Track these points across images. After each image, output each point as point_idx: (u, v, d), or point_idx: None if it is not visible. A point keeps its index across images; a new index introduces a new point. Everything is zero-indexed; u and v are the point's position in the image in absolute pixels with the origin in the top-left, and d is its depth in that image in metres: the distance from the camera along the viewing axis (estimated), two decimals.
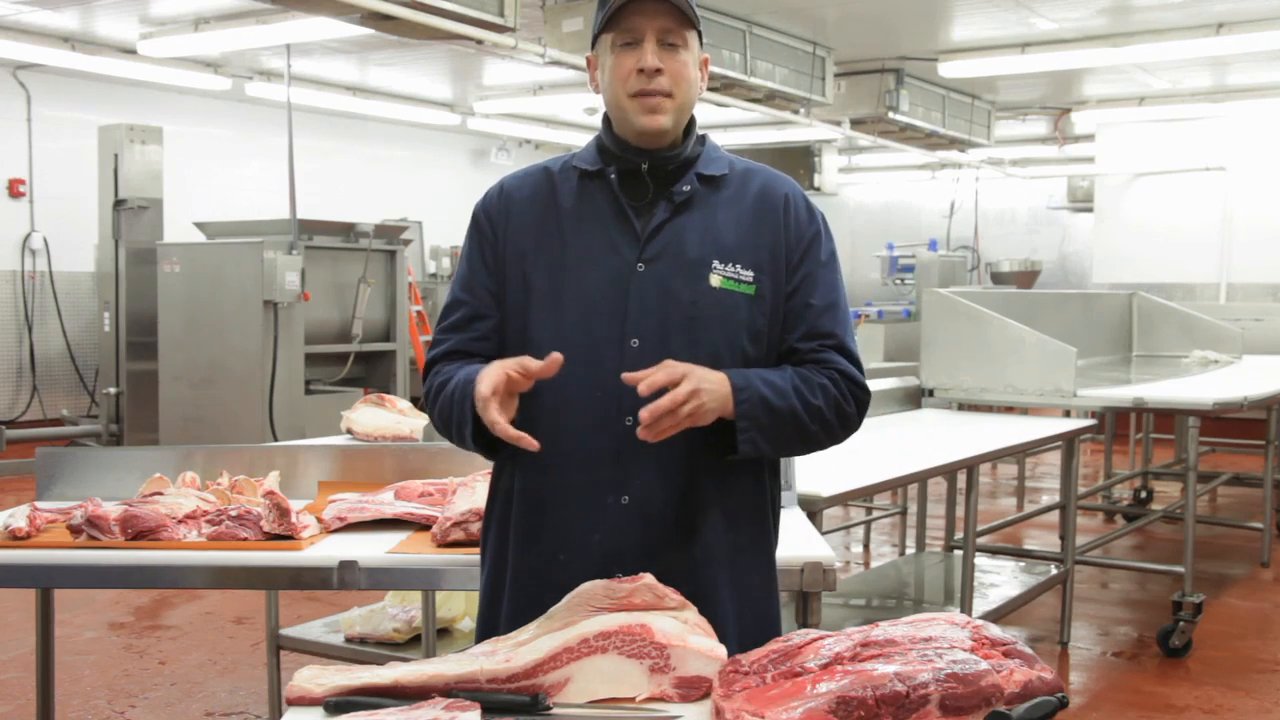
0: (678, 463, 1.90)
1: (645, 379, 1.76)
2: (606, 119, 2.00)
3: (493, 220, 2.00)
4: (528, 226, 1.97)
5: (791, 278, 1.97)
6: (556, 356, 1.77)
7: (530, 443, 1.76)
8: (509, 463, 1.99)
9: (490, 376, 1.77)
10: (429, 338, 10.33)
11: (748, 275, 1.93)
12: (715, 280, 1.92)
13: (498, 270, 1.97)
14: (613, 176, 1.95)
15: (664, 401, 1.74)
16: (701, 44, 1.97)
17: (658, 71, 1.88)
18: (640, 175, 1.95)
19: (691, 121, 1.99)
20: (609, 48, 1.92)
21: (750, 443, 1.85)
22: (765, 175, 2.03)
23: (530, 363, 1.79)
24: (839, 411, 1.92)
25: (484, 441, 1.89)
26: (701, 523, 1.93)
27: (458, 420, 1.89)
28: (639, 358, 1.87)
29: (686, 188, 1.95)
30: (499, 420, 1.75)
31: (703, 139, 2.01)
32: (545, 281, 1.94)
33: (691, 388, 1.76)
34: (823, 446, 1.97)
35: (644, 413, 1.75)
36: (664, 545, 1.90)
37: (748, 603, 1.98)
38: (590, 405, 1.89)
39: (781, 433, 1.87)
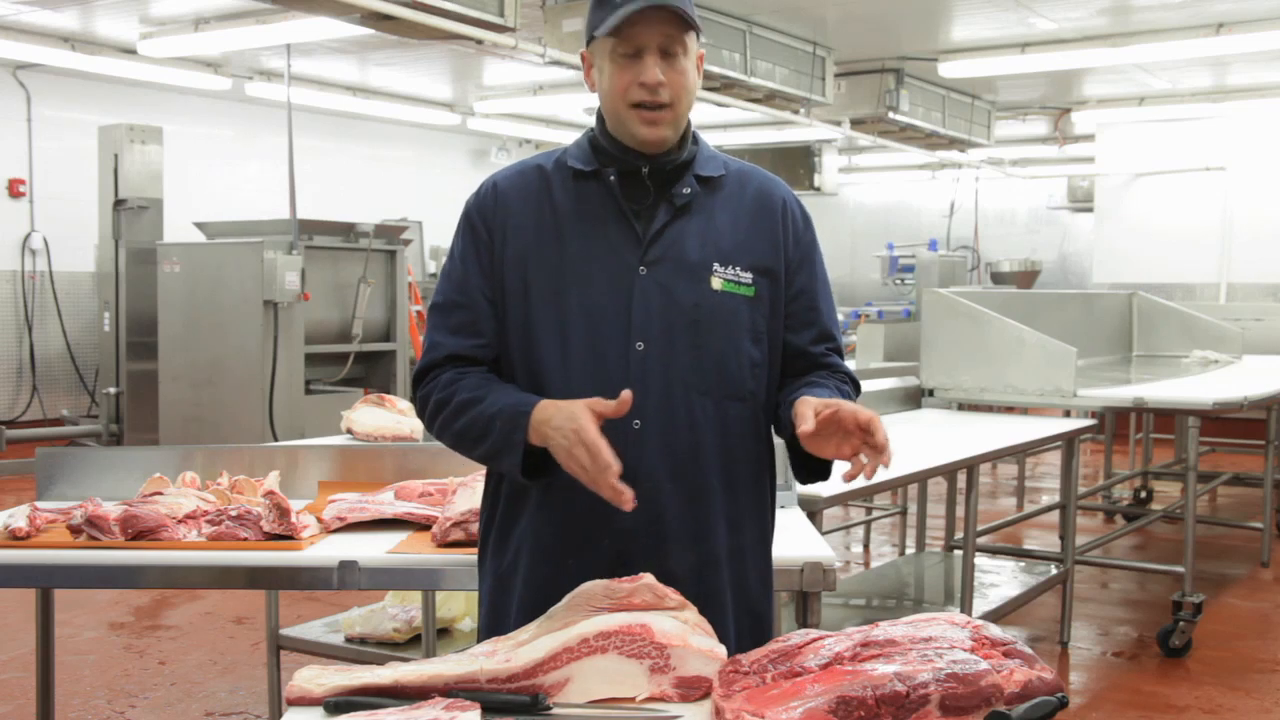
0: (683, 464, 1.90)
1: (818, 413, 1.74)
2: (600, 117, 1.97)
3: (487, 220, 1.96)
4: (524, 227, 1.94)
5: (794, 281, 1.99)
6: (626, 396, 1.74)
7: (628, 501, 1.73)
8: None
9: (591, 434, 1.73)
10: None
11: (747, 278, 1.94)
12: (716, 283, 1.92)
13: (495, 273, 1.94)
14: (612, 179, 1.93)
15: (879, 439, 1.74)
16: (700, 40, 1.94)
17: (660, 85, 1.86)
18: (638, 176, 1.93)
19: (687, 122, 1.98)
20: (608, 53, 1.88)
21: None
22: (760, 178, 2.03)
23: (599, 405, 1.76)
24: None
25: (528, 472, 1.84)
26: (706, 524, 1.93)
27: (496, 447, 1.85)
28: (644, 361, 1.88)
29: (686, 190, 1.94)
30: (623, 490, 1.73)
31: (695, 138, 2.00)
32: (546, 284, 1.91)
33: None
34: None
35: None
36: (670, 546, 1.90)
37: (747, 603, 1.98)
38: None
39: None
